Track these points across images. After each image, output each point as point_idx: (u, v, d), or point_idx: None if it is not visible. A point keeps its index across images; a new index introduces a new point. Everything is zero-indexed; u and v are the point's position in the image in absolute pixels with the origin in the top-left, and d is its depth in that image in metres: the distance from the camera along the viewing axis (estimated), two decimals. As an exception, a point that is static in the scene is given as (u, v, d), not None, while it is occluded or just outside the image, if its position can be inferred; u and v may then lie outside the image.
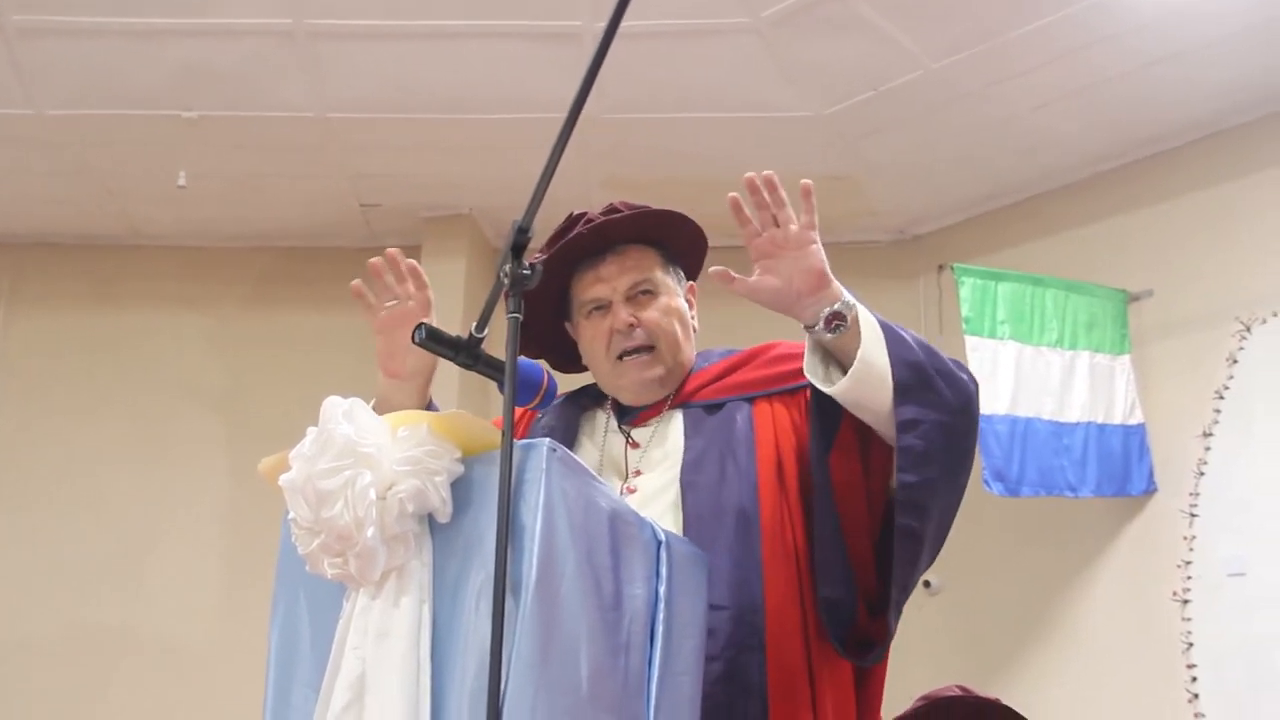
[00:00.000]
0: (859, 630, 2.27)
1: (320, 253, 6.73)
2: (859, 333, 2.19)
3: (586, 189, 5.89)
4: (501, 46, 5.28)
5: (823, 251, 2.23)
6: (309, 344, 6.52)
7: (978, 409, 2.32)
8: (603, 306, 2.45)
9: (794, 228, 2.22)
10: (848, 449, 2.26)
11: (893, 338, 2.21)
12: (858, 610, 2.26)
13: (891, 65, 5.31)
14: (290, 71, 5.43)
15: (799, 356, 2.36)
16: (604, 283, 2.44)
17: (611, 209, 2.48)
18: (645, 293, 2.43)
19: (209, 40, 5.24)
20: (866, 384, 2.18)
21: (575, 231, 2.43)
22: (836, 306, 2.20)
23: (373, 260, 2.38)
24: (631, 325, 2.41)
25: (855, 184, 6.12)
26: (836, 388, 2.19)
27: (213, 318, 6.68)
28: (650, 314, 2.42)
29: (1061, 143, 5.76)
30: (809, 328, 2.24)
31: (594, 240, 2.44)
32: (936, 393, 2.20)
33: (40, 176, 6.14)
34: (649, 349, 2.42)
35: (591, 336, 2.47)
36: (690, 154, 5.88)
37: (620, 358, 2.43)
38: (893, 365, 2.18)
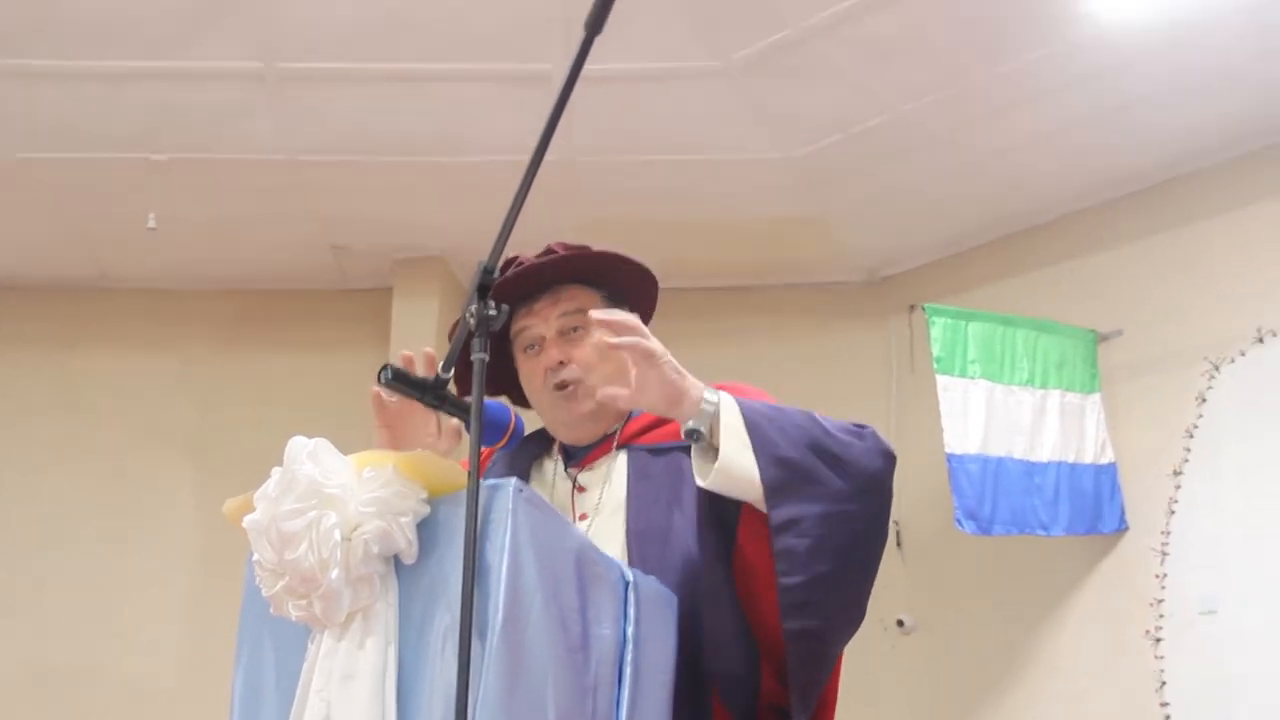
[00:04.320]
0: (768, 699, 2.22)
1: (291, 295, 6.72)
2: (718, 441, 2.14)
3: (558, 231, 5.79)
4: (472, 89, 5.29)
5: (664, 370, 2.13)
6: (279, 387, 6.50)
7: (883, 483, 2.23)
8: (535, 345, 2.45)
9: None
10: (755, 533, 2.19)
11: (761, 437, 2.14)
12: (761, 683, 2.21)
13: (861, 108, 5.34)
14: (261, 114, 5.43)
15: (756, 396, 2.36)
16: (536, 317, 2.44)
17: (548, 250, 2.48)
18: (577, 329, 2.41)
19: (179, 83, 5.24)
20: (735, 489, 2.15)
21: (509, 273, 2.42)
22: (689, 424, 2.15)
23: (375, 390, 2.32)
24: (562, 363, 2.40)
25: (825, 225, 6.15)
26: (705, 484, 2.15)
27: (182, 360, 6.66)
28: (582, 351, 2.40)
29: (1031, 184, 5.80)
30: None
31: (528, 283, 2.43)
32: (819, 483, 2.14)
33: (9, 219, 6.12)
34: (577, 384, 2.40)
35: (528, 374, 2.47)
36: (661, 196, 5.90)
37: (559, 389, 2.42)
38: (760, 467, 2.12)
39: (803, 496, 2.13)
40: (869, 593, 2.25)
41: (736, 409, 2.16)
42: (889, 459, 2.25)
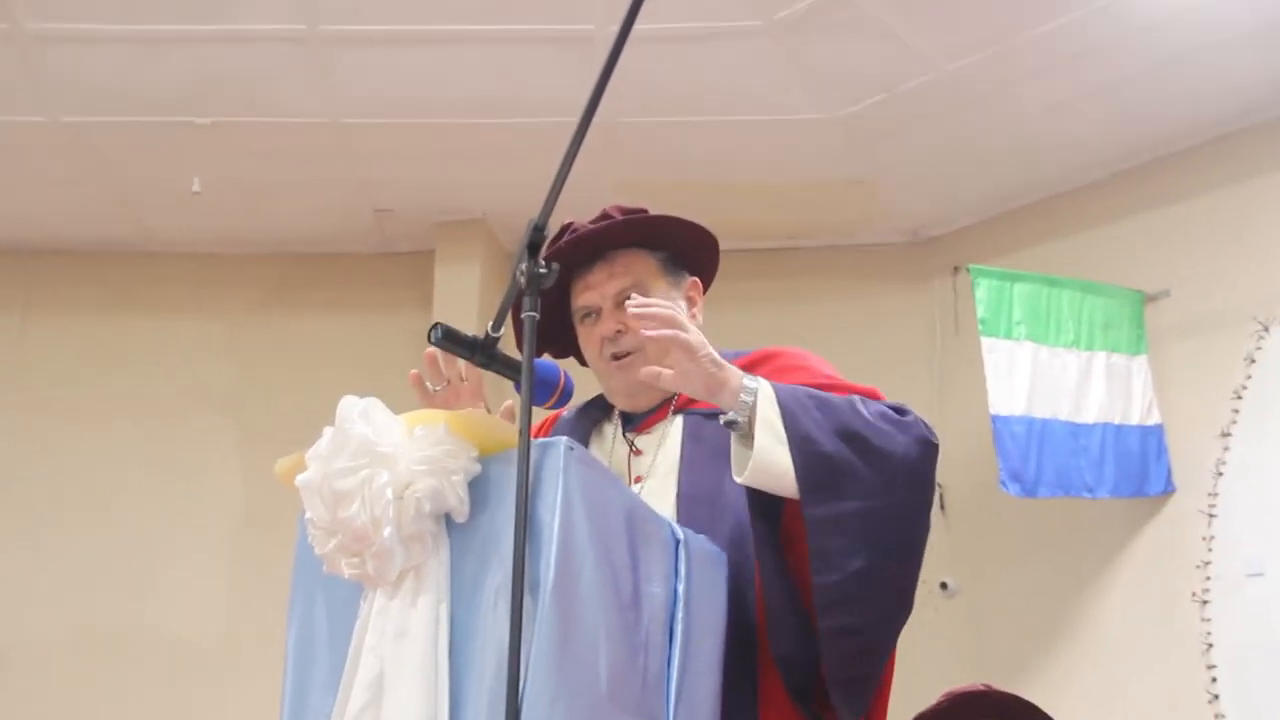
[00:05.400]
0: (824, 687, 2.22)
1: (333, 258, 6.73)
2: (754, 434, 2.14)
3: (601, 193, 5.82)
4: (514, 51, 5.27)
5: (702, 363, 2.14)
6: (322, 350, 6.52)
7: (923, 474, 2.22)
8: (593, 313, 2.45)
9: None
10: (796, 515, 2.20)
11: (797, 432, 2.14)
12: (819, 668, 2.20)
13: (905, 67, 5.29)
14: (303, 77, 5.43)
15: (799, 369, 2.37)
16: (592, 290, 2.45)
17: (604, 215, 2.48)
18: (633, 297, 2.38)
19: (222, 46, 5.24)
20: (772, 485, 2.15)
21: (563, 241, 2.42)
22: (729, 415, 2.16)
23: (428, 352, 2.34)
24: (619, 332, 2.41)
25: (869, 186, 6.11)
26: (741, 479, 2.16)
27: (226, 324, 6.68)
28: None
29: (1076, 143, 5.74)
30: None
31: (582, 250, 2.42)
32: (856, 479, 2.14)
33: (54, 184, 6.15)
34: (633, 354, 2.40)
35: (586, 343, 2.48)
36: (704, 157, 5.87)
37: (615, 359, 2.42)
38: (796, 464, 2.12)
39: (839, 493, 2.13)
40: (914, 586, 2.24)
41: (774, 401, 2.16)
42: (930, 448, 2.23)
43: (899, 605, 2.22)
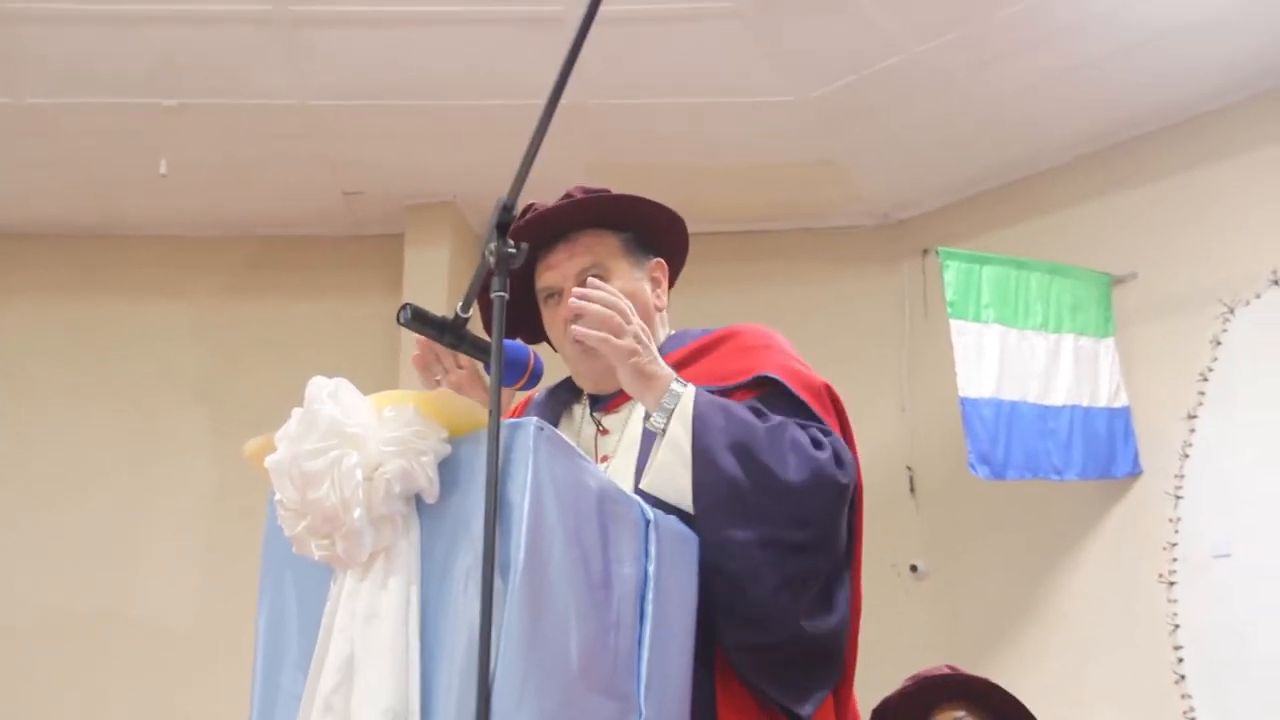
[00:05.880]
0: None
1: (303, 241, 6.70)
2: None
3: (571, 174, 5.83)
4: (484, 32, 5.25)
5: (630, 366, 2.19)
6: (292, 332, 6.50)
7: (819, 506, 2.19)
8: (555, 295, 2.44)
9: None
10: None
11: (702, 456, 2.15)
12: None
13: (875, 49, 5.29)
14: (272, 58, 5.39)
15: (759, 349, 2.38)
16: (553, 270, 2.43)
17: (566, 195, 2.47)
18: (596, 278, 2.38)
19: (189, 27, 5.20)
20: (671, 499, 2.17)
21: (523, 221, 2.41)
22: (650, 421, 2.22)
23: (415, 356, 2.35)
24: (579, 315, 2.40)
25: (839, 168, 6.11)
26: (642, 485, 2.20)
27: (195, 306, 6.65)
28: None
29: (1045, 125, 5.76)
30: None
31: (543, 229, 2.41)
32: (749, 508, 2.14)
33: (21, 166, 6.10)
34: None
35: (550, 325, 2.48)
36: (674, 139, 5.86)
37: (576, 344, 2.41)
38: (695, 486, 2.15)
39: (733, 521, 2.13)
40: (823, 609, 2.22)
41: (689, 417, 2.17)
42: (830, 485, 2.20)
43: (801, 633, 2.18)
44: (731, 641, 2.14)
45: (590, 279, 2.26)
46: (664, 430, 2.19)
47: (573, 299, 2.19)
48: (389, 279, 6.38)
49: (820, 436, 2.24)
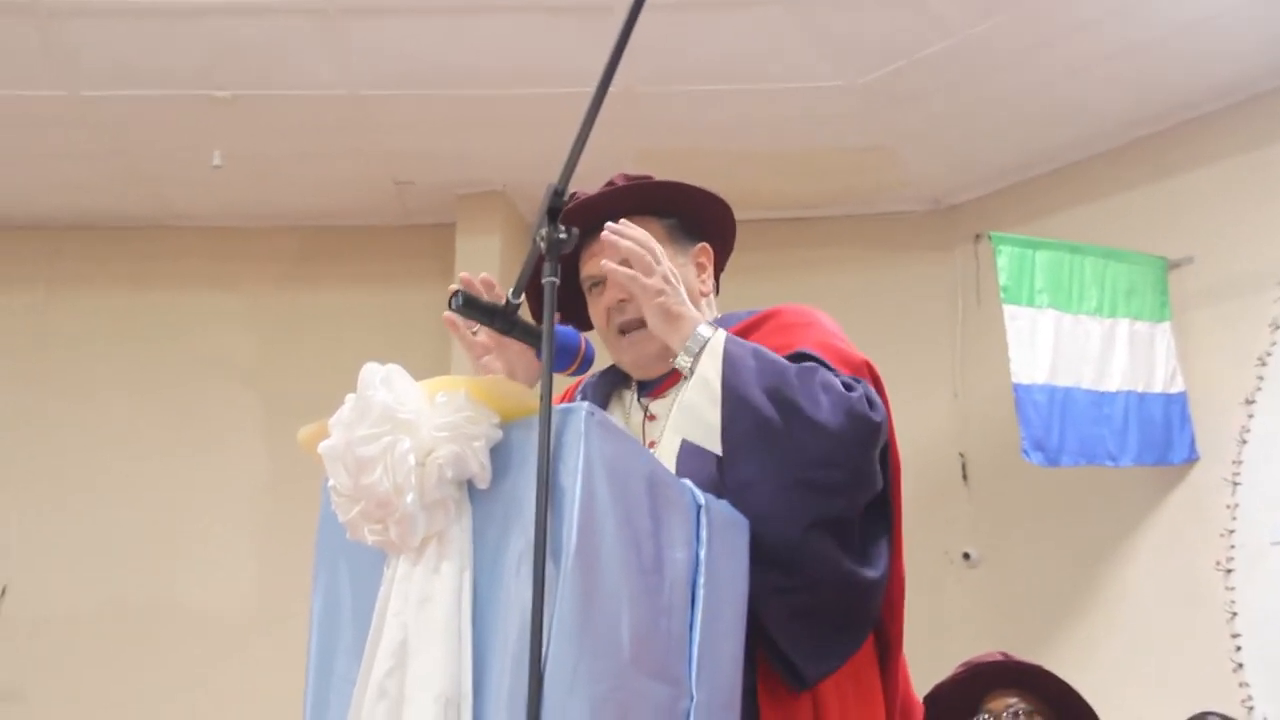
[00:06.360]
0: None
1: (354, 231, 6.74)
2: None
3: (621, 162, 5.77)
4: (534, 20, 5.26)
5: (653, 305, 2.20)
6: (343, 322, 6.54)
7: (851, 445, 2.16)
8: (599, 283, 2.43)
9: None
10: None
11: (733, 393, 2.14)
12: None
13: (924, 33, 5.26)
14: (322, 49, 5.43)
15: (799, 326, 2.37)
16: (596, 258, 2.40)
17: (609, 184, 2.47)
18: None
19: (240, 19, 5.25)
20: (699, 438, 2.17)
21: (566, 208, 2.40)
22: (677, 360, 2.22)
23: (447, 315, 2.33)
24: (623, 301, 2.38)
25: (890, 154, 6.08)
26: (671, 431, 2.21)
27: (247, 297, 6.70)
28: None
29: (1098, 109, 5.70)
30: None
31: (586, 217, 2.40)
32: (780, 447, 2.12)
33: (74, 159, 6.16)
34: (642, 323, 2.34)
35: (594, 313, 2.47)
36: (723, 125, 5.85)
37: (621, 333, 2.41)
38: (724, 421, 2.13)
39: (765, 462, 2.11)
40: (854, 556, 2.19)
41: (720, 358, 2.16)
42: (865, 425, 2.17)
43: (836, 572, 2.15)
44: (760, 586, 2.10)
45: (621, 221, 2.23)
46: (691, 370, 2.17)
47: (605, 233, 2.18)
48: (440, 268, 6.40)
49: (851, 382, 2.22)
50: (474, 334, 2.34)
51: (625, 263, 2.20)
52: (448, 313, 2.21)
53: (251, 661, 6.03)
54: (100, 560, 6.31)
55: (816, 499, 2.12)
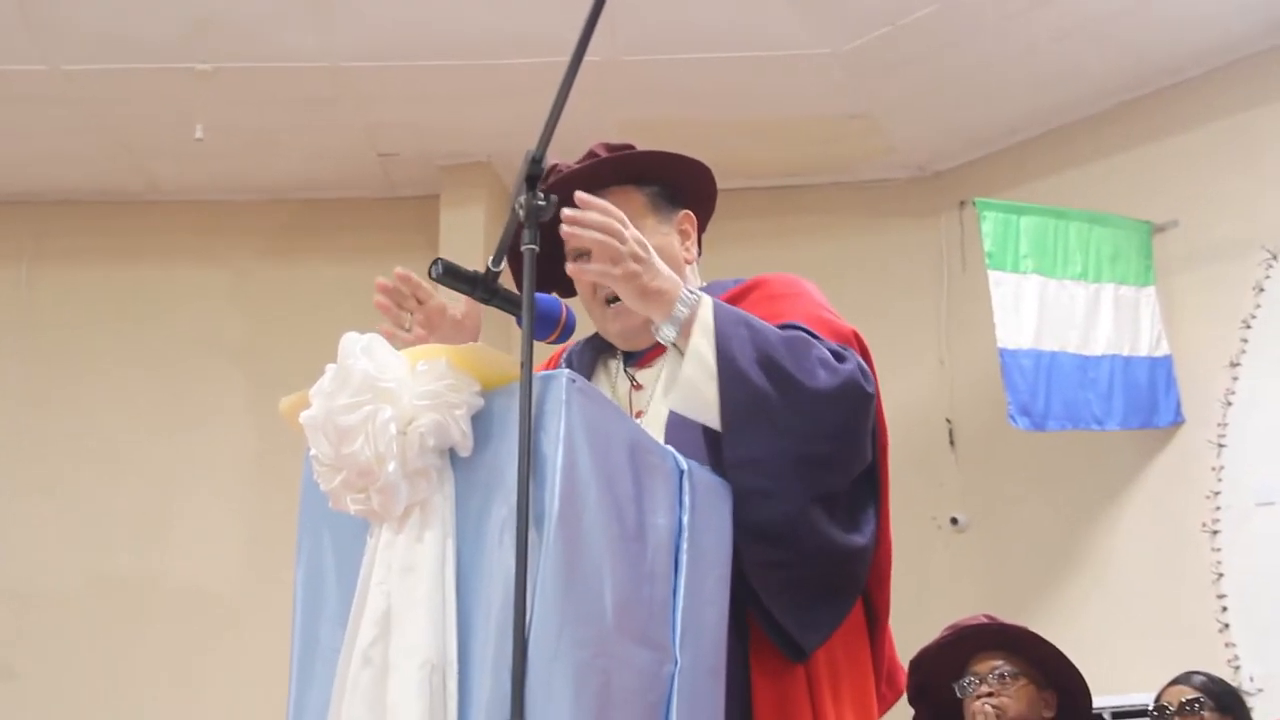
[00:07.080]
0: None
1: (338, 204, 6.72)
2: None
3: (603, 130, 5.79)
4: (515, -10, 5.24)
5: (637, 284, 2.13)
6: (328, 295, 6.50)
7: (844, 414, 2.16)
8: (583, 255, 2.41)
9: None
10: None
11: (728, 364, 2.11)
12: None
13: (908, -1, 5.25)
14: (304, 21, 5.40)
15: (786, 297, 2.35)
16: None
17: (590, 154, 2.45)
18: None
19: (221, -10, 5.22)
20: (696, 414, 2.14)
21: (549, 183, 2.38)
22: (660, 331, 2.16)
23: (378, 300, 2.34)
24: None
25: (873, 121, 6.07)
26: (666, 404, 2.17)
27: (231, 270, 6.68)
28: None
29: (1082, 74, 5.70)
30: None
31: (569, 190, 2.38)
32: (775, 418, 2.10)
33: (56, 133, 6.13)
34: None
35: (579, 284, 2.45)
36: (706, 94, 5.83)
37: (608, 303, 2.39)
38: (722, 401, 2.10)
39: (764, 437, 2.10)
40: (846, 526, 2.19)
41: (712, 331, 2.13)
42: (857, 393, 2.17)
43: (828, 543, 2.15)
44: (754, 559, 2.10)
45: (578, 195, 2.17)
46: (676, 342, 2.15)
47: (563, 225, 2.10)
48: (425, 240, 6.38)
49: (841, 351, 2.22)
50: (406, 330, 2.33)
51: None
52: (378, 298, 2.22)
53: (240, 634, 6.04)
54: (89, 535, 6.31)
55: (818, 475, 2.13)
